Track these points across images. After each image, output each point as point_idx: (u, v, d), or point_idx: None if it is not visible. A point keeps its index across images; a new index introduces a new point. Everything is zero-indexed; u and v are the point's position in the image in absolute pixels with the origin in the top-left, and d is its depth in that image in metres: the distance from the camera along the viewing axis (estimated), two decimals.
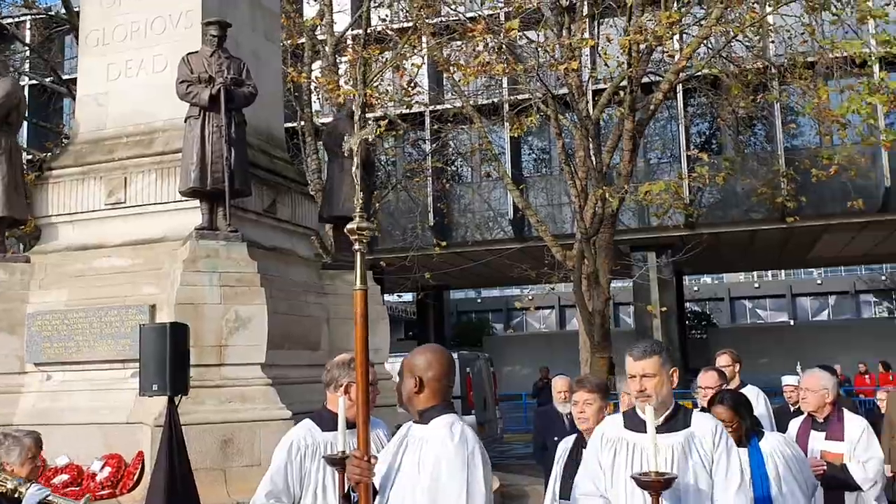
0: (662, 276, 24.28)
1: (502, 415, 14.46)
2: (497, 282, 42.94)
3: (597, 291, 12.93)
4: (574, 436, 4.08)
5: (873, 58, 10.45)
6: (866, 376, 18.98)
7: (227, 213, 7.02)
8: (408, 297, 41.17)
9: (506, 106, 22.01)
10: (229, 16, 8.15)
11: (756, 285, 61.52)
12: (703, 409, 5.68)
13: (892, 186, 22.01)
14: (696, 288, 54.99)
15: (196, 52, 7.33)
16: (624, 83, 12.84)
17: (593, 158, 13.43)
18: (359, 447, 2.88)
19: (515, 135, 12.88)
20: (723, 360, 6.19)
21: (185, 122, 7.12)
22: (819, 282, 60.00)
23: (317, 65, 16.20)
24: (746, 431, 3.88)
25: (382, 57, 14.46)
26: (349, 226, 3.09)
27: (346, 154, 9.13)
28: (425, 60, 15.38)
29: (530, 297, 24.91)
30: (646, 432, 2.92)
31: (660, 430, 2.98)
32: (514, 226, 26.38)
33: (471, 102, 15.55)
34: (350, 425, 3.34)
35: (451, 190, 26.04)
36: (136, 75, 8.14)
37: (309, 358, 8.23)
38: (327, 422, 3.53)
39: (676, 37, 12.58)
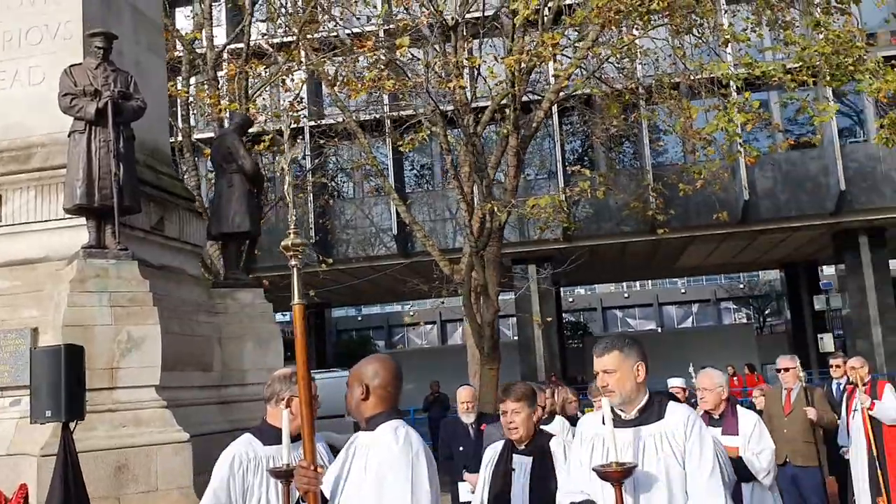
0: (543, 288, 25.01)
1: None
2: (380, 298, 42.91)
3: (486, 304, 13.16)
4: (502, 442, 4.15)
5: (737, 79, 11.17)
6: (734, 378, 20.19)
7: (116, 231, 6.76)
8: (288, 316, 40.51)
9: (387, 121, 22.20)
10: (112, 27, 7.87)
11: (626, 295, 64.13)
12: None
13: (750, 199, 23.56)
14: (570, 299, 56.73)
15: (79, 64, 7.05)
16: (506, 101, 13.20)
17: (478, 174, 13.72)
18: (305, 457, 2.92)
19: (407, 150, 12.96)
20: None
21: (70, 136, 6.81)
22: (683, 291, 63.18)
23: (194, 79, 15.81)
24: None
25: (264, 71, 14.28)
26: (284, 242, 3.10)
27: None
28: (305, 76, 15.27)
29: (412, 314, 25.00)
30: (622, 427, 3.03)
31: (633, 423, 3.06)
32: (399, 241, 26.50)
33: (353, 118, 15.56)
34: (293, 438, 3.39)
35: (333, 206, 25.89)
36: (10, 87, 7.73)
37: (201, 379, 8.02)
38: (268, 436, 3.57)
39: (557, 57, 13.02)
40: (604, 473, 2.92)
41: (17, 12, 7.77)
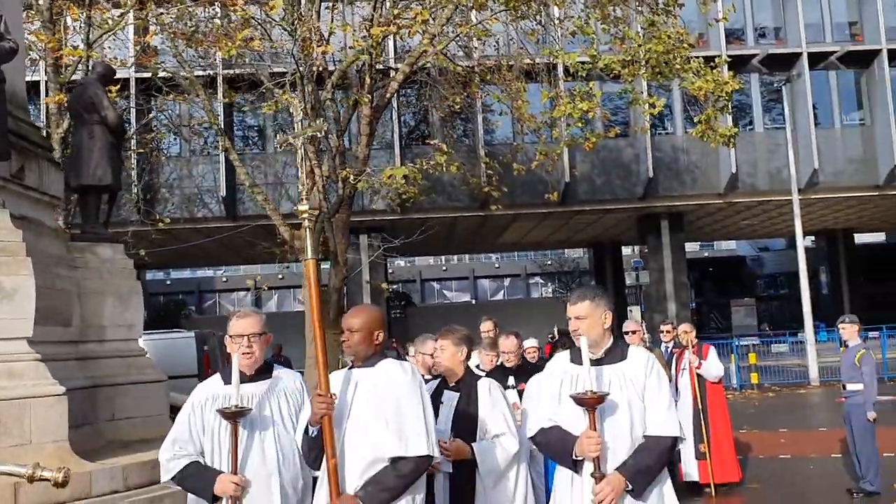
0: (373, 259, 25.45)
1: None
2: (205, 262, 41.47)
3: (335, 270, 13.40)
4: (438, 379, 4.53)
5: (583, 68, 12.02)
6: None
7: None
8: None
9: (220, 78, 21.58)
10: None
11: (444, 268, 66.02)
12: (509, 369, 6.53)
13: (570, 182, 25.18)
14: (390, 270, 57.72)
15: None
16: (355, 66, 13.29)
17: (330, 140, 13.84)
18: (320, 386, 3.27)
19: (269, 111, 12.78)
20: (487, 325, 7.04)
21: None
22: (497, 266, 65.95)
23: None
24: None
25: (108, 18, 13.56)
26: (301, 208, 3.45)
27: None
28: (155, 27, 14.64)
29: (257, 278, 24.50)
30: (587, 365, 3.38)
31: (601, 362, 3.43)
32: (226, 204, 25.95)
33: (192, 73, 15.10)
34: (250, 378, 3.69)
35: (158, 164, 24.84)
36: None
37: (61, 334, 7.78)
38: (228, 375, 3.72)
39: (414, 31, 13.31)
40: (580, 400, 3.26)
41: None
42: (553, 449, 3.51)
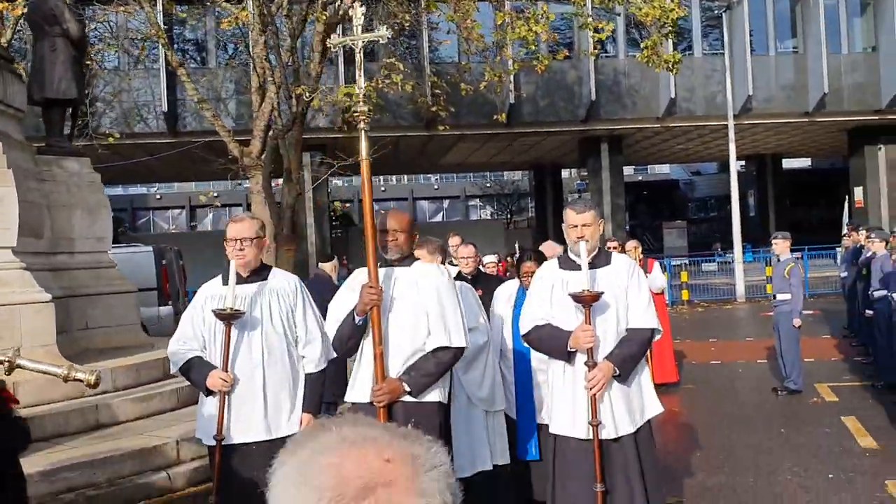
0: (316, 176, 25.45)
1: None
2: (143, 179, 40.63)
3: (289, 187, 13.60)
4: None
5: None
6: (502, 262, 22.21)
7: None
8: None
9: None
10: None
11: (383, 189, 65.98)
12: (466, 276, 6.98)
13: (515, 103, 25.44)
14: (329, 190, 57.46)
15: None
16: None
17: (278, 55, 13.82)
18: (371, 279, 3.61)
19: (228, 27, 12.64)
20: (455, 240, 7.51)
21: None
22: (436, 187, 66.19)
23: None
24: None
25: None
26: (357, 109, 3.78)
27: (63, 33, 8.68)
28: None
29: (210, 194, 24.27)
30: (574, 270, 3.79)
31: (591, 266, 3.77)
32: (167, 119, 25.53)
33: None
34: (247, 279, 3.96)
35: (95, 77, 24.15)
36: None
37: (34, 245, 7.96)
38: (227, 276, 3.95)
39: None
40: (579, 297, 3.64)
41: None
42: (547, 343, 3.87)
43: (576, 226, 3.80)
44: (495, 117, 17.47)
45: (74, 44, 8.73)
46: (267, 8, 13.04)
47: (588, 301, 3.60)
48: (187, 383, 7.57)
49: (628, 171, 46.70)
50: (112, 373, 6.82)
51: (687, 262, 27.89)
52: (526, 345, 4.14)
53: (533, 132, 27.92)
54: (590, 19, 13.97)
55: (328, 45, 3.95)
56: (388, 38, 3.99)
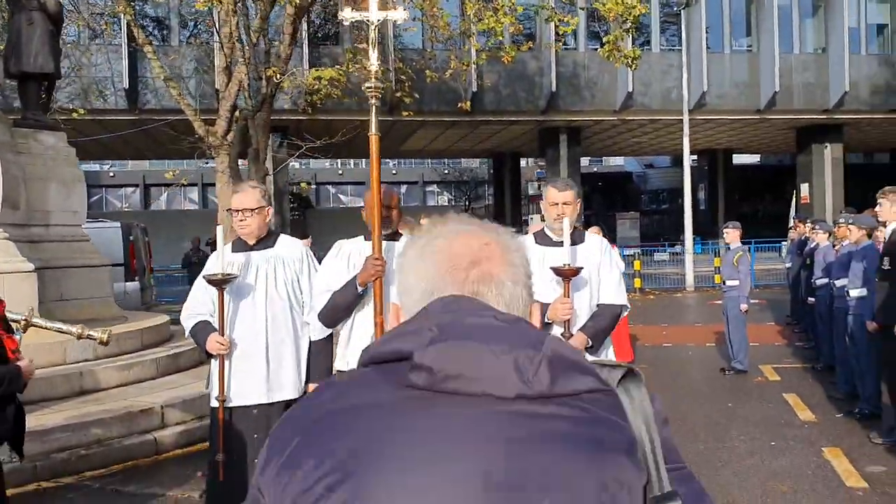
0: (279, 157, 25.49)
1: (157, 283, 14.70)
2: (102, 156, 39.91)
3: (256, 167, 13.77)
4: None
5: None
6: None
7: None
8: None
9: None
10: None
11: (340, 172, 65.91)
12: None
13: (478, 92, 25.79)
14: (288, 172, 57.20)
15: None
16: None
17: (248, 36, 13.93)
18: (374, 250, 3.69)
19: (207, 7, 12.68)
20: (426, 222, 7.83)
21: None
22: (394, 172, 66.23)
23: None
24: None
25: None
26: (368, 84, 3.82)
27: (36, 7, 8.77)
28: None
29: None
30: (552, 246, 3.96)
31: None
32: (129, 96, 25.33)
33: None
34: (247, 248, 4.08)
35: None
36: None
37: (12, 217, 8.10)
38: (236, 244, 4.12)
39: None
40: (560, 271, 3.78)
41: None
42: None
43: (556, 203, 3.95)
44: (459, 105, 17.78)
45: (51, 18, 8.84)
46: None
47: (569, 275, 3.75)
48: (166, 353, 7.86)
49: (584, 162, 47.45)
50: (93, 342, 7.02)
51: (640, 251, 28.71)
52: None
53: (495, 121, 28.31)
54: (555, 12, 14.37)
55: (340, 19, 3.96)
56: (405, 18, 4.24)
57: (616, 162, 57.86)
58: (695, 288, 22.66)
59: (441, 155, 46.32)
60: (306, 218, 39.48)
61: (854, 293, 6.71)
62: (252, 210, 3.98)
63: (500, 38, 13.04)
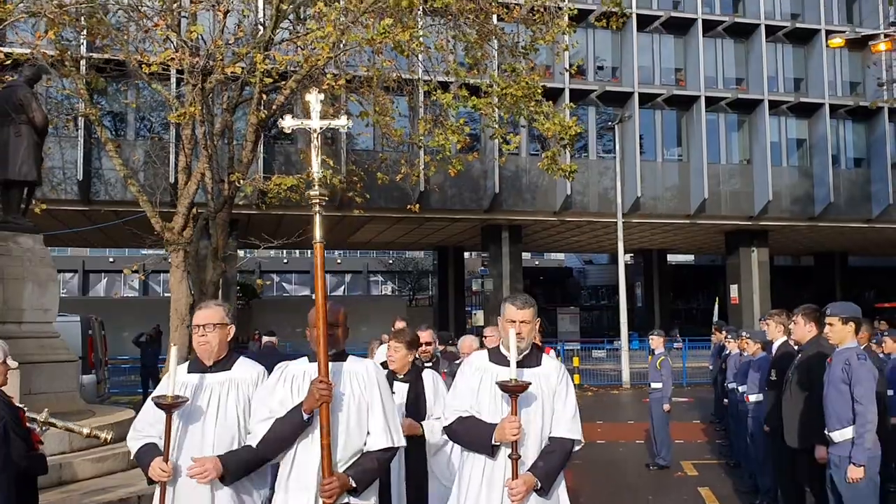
0: (228, 251, 26.06)
1: (110, 375, 15.00)
2: (55, 242, 39.75)
3: (214, 264, 14.41)
4: (387, 370, 5.23)
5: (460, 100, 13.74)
6: None
7: None
8: None
9: (83, 62, 21.64)
10: None
11: (285, 261, 66.33)
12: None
13: (425, 191, 27.00)
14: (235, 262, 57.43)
15: None
16: (245, 75, 14.21)
17: (209, 140, 14.77)
18: (320, 372, 3.41)
19: (176, 120, 13.45)
20: (426, 335, 8.52)
21: None
22: (339, 261, 66.99)
23: None
24: None
25: None
26: (311, 192, 3.58)
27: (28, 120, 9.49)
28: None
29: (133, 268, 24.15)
30: (505, 366, 3.64)
31: (521, 365, 3.64)
32: (81, 188, 25.81)
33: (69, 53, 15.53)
34: (206, 369, 3.84)
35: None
36: None
37: None
38: (192, 364, 3.91)
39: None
40: (505, 386, 3.54)
41: None
42: (470, 436, 3.74)
43: (514, 321, 3.72)
44: (408, 206, 18.74)
45: (37, 131, 9.58)
46: (204, 97, 14.02)
47: (515, 391, 3.53)
48: None
49: (526, 255, 49.05)
50: (69, 436, 7.52)
51: (579, 347, 29.74)
52: (447, 437, 4.00)
53: (440, 218, 29.49)
54: (499, 129, 15.63)
55: (282, 128, 3.80)
56: (348, 127, 3.98)
57: (557, 257, 59.71)
58: (631, 385, 23.64)
59: (387, 247, 47.38)
60: (252, 308, 39.72)
61: (752, 398, 7.66)
62: (214, 325, 3.80)
63: (448, 154, 14.14)
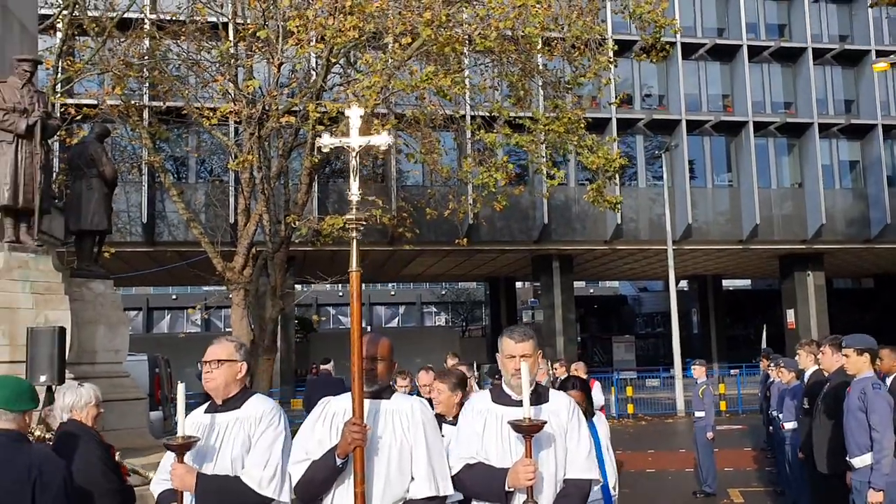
0: (286, 288, 26.86)
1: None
2: (122, 282, 41.38)
3: (273, 302, 15.04)
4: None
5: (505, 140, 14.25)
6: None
7: (35, 230, 8.01)
8: None
9: (146, 112, 22.79)
10: (7, 40, 8.97)
11: (340, 294, 67.31)
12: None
13: (474, 224, 27.45)
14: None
15: (5, 81, 8.15)
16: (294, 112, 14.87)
17: (266, 183, 15.49)
18: (355, 413, 3.17)
19: (234, 168, 14.24)
20: (452, 360, 8.98)
21: None
22: (393, 293, 67.74)
23: None
24: (586, 411, 4.40)
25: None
26: (348, 216, 3.37)
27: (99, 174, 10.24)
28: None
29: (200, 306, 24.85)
30: (512, 406, 3.41)
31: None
32: (145, 230, 26.92)
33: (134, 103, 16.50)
34: (216, 408, 3.59)
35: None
36: None
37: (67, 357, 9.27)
38: (210, 405, 3.68)
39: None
40: (518, 427, 3.22)
41: None
42: (481, 484, 3.43)
43: (514, 356, 3.47)
44: (457, 241, 19.23)
45: (107, 183, 10.31)
46: (260, 143, 14.76)
47: (529, 431, 3.24)
48: None
49: (580, 284, 49.03)
50: (143, 467, 8.07)
51: (635, 376, 29.73)
52: (452, 490, 3.57)
53: (489, 250, 29.89)
54: (543, 161, 16.04)
55: (318, 146, 3.69)
56: (389, 143, 3.73)
57: (611, 285, 59.47)
58: (686, 413, 23.53)
59: (438, 279, 47.90)
60: (309, 342, 40.52)
61: (787, 426, 7.83)
62: (220, 361, 3.56)
63: (493, 192, 14.57)
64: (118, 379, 10.19)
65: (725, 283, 44.77)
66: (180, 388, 3.55)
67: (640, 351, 46.19)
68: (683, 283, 43.77)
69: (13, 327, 7.51)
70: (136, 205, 27.17)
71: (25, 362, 6.44)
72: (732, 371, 28.11)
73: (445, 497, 3.37)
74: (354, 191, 3.47)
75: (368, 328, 64.38)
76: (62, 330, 6.51)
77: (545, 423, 3.32)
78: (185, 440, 3.36)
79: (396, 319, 69.22)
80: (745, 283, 51.92)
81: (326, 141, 3.64)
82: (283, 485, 3.43)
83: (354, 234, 3.41)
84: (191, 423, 3.54)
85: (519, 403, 3.34)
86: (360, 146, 3.51)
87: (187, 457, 3.41)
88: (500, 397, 3.57)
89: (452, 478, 3.47)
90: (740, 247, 31.04)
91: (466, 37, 13.87)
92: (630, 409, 23.14)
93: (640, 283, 55.04)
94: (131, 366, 13.29)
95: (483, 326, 53.11)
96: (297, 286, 35.53)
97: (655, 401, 25.68)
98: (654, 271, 38.95)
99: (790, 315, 32.94)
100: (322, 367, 11.28)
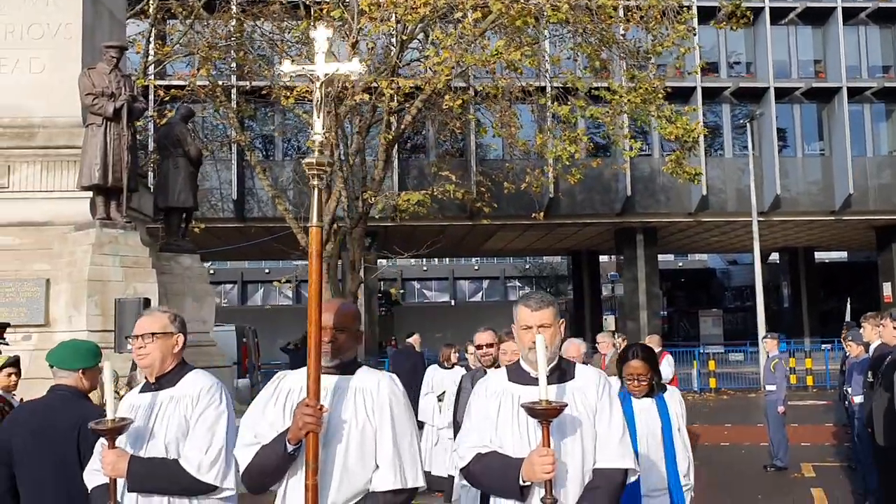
0: (369, 258, 27.50)
1: (262, 379, 16.48)
2: (216, 256, 43.13)
3: (352, 276, 15.51)
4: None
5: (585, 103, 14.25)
6: None
7: (124, 207, 8.57)
8: None
9: (233, 91, 23.57)
10: (97, 29, 9.53)
11: (425, 269, 68.10)
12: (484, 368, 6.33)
13: (555, 197, 27.40)
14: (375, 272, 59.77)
15: (94, 68, 8.69)
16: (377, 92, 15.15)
17: (346, 159, 15.91)
18: (309, 394, 2.74)
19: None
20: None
21: (87, 127, 8.51)
22: (476, 268, 68.08)
23: None
24: (655, 384, 4.25)
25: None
26: (308, 160, 2.86)
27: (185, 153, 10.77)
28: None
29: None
30: (529, 385, 2.97)
31: (547, 380, 2.85)
32: (236, 206, 27.89)
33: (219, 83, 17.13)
34: (149, 387, 3.24)
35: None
36: (10, 73, 9.16)
37: None
38: (146, 384, 3.32)
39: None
40: (534, 410, 2.78)
41: (22, 9, 9.18)
42: (493, 476, 2.99)
43: (530, 327, 3.02)
44: (533, 215, 19.37)
45: (192, 162, 10.85)
46: (339, 122, 15.15)
47: (546, 416, 2.78)
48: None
49: (667, 257, 48.20)
50: None
51: (722, 350, 29.22)
52: (465, 481, 3.25)
53: (570, 223, 29.74)
54: (622, 133, 15.91)
55: (278, 73, 2.93)
56: (360, 73, 3.32)
57: (699, 258, 58.18)
58: None
59: (520, 253, 47.89)
60: (393, 315, 41.27)
61: (856, 399, 7.71)
62: (154, 334, 3.20)
63: (569, 164, 14.57)
64: (205, 347, 10.79)
65: (819, 255, 43.21)
66: (107, 367, 3.11)
67: (728, 325, 45.18)
68: (774, 256, 42.49)
69: (104, 298, 8.08)
70: (227, 182, 28.15)
71: (114, 331, 6.95)
72: (825, 346, 27.26)
73: (415, 489, 2.90)
74: (318, 129, 2.97)
75: (452, 302, 65.03)
76: (147, 301, 7.00)
77: (565, 405, 2.85)
78: (115, 423, 3.01)
79: (480, 294, 69.61)
80: (840, 255, 50.02)
81: (287, 68, 3.22)
82: (228, 470, 3.04)
83: (315, 181, 2.88)
84: (127, 404, 3.23)
85: (537, 382, 2.86)
86: (326, 74, 3.04)
87: (121, 441, 3.08)
88: (518, 376, 3.11)
89: (462, 470, 3.07)
90: (833, 218, 29.94)
91: (538, 9, 13.85)
92: (712, 383, 22.82)
93: (730, 255, 53.66)
94: (220, 336, 14.01)
95: (567, 300, 52.97)
96: (381, 261, 36.31)
97: (740, 375, 25.23)
98: (741, 243, 37.94)
99: (887, 288, 31.66)
100: (407, 340, 11.75)
